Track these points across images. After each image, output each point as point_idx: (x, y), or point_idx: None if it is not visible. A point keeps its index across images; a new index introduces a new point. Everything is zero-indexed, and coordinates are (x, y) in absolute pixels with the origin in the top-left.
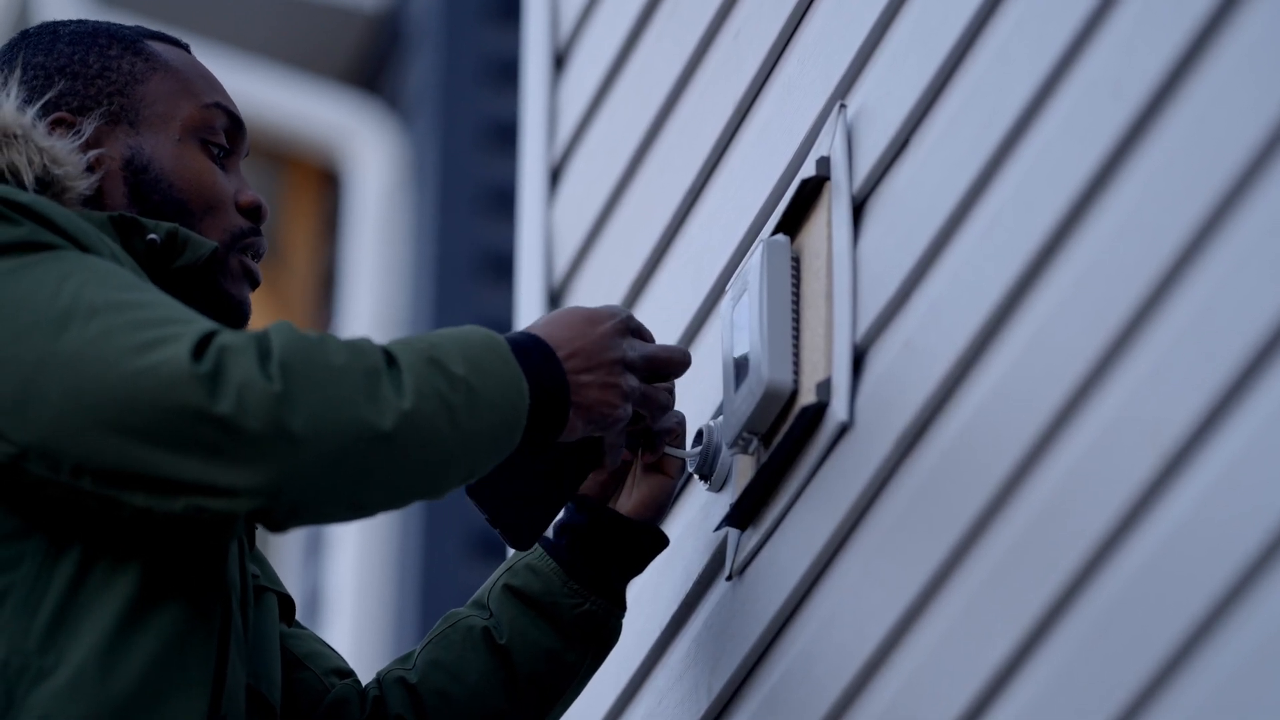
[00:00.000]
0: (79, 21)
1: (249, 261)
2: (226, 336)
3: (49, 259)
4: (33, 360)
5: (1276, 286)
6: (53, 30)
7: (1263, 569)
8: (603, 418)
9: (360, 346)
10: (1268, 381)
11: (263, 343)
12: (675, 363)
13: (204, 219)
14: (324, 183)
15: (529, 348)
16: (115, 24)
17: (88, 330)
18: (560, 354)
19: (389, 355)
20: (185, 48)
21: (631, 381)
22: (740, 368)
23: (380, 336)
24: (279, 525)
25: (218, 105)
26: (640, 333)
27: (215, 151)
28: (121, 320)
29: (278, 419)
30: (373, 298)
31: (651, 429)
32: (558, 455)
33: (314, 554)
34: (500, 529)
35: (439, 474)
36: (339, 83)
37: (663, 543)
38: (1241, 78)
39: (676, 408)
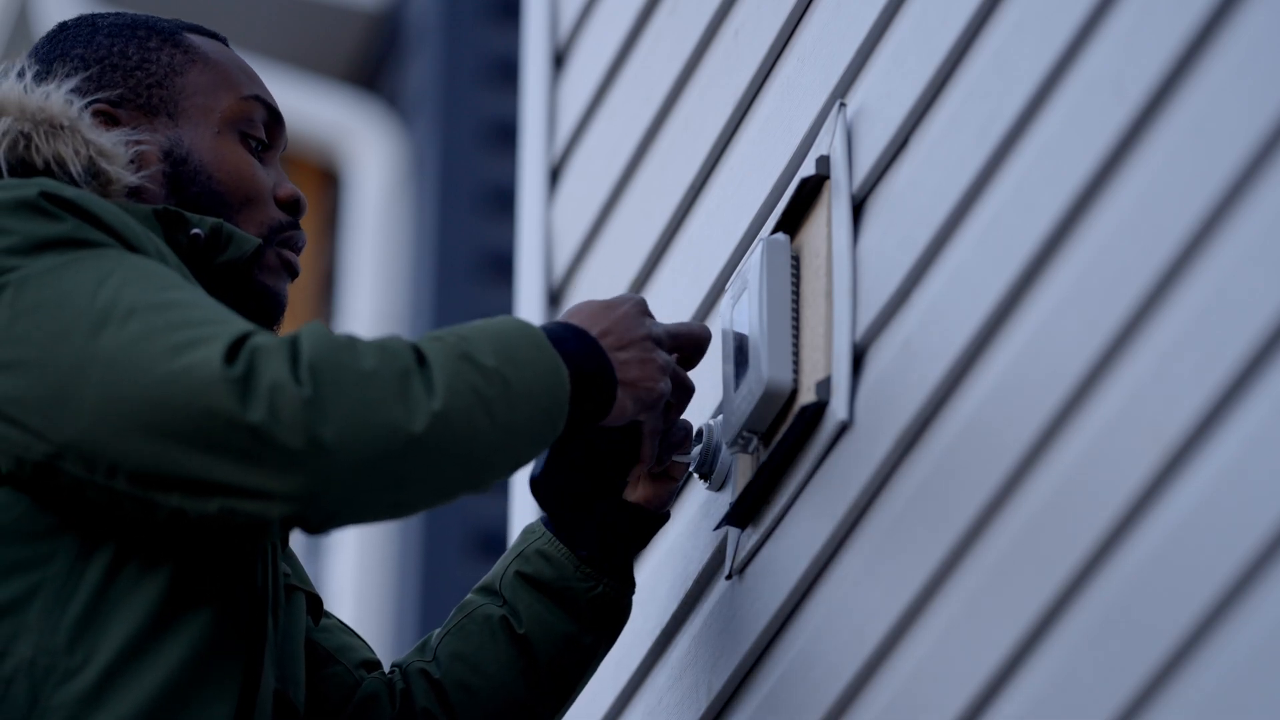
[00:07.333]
0: (117, 14)
1: (287, 254)
2: (260, 338)
3: (91, 256)
4: (70, 361)
5: (1277, 286)
6: (91, 23)
7: (1263, 568)
8: (647, 393)
9: (390, 347)
10: (1268, 380)
11: (295, 345)
12: (698, 336)
13: (241, 211)
14: (324, 182)
15: (564, 335)
16: (154, 16)
17: (125, 331)
18: (594, 333)
19: (419, 354)
20: (223, 40)
21: (664, 356)
22: (740, 366)
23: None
24: (315, 529)
25: (256, 98)
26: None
27: (253, 145)
28: (159, 321)
29: (308, 426)
30: (372, 297)
31: (669, 426)
32: (598, 451)
33: (314, 554)
34: (559, 527)
35: (480, 469)
36: (339, 82)
37: (664, 519)
38: (1241, 78)
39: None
